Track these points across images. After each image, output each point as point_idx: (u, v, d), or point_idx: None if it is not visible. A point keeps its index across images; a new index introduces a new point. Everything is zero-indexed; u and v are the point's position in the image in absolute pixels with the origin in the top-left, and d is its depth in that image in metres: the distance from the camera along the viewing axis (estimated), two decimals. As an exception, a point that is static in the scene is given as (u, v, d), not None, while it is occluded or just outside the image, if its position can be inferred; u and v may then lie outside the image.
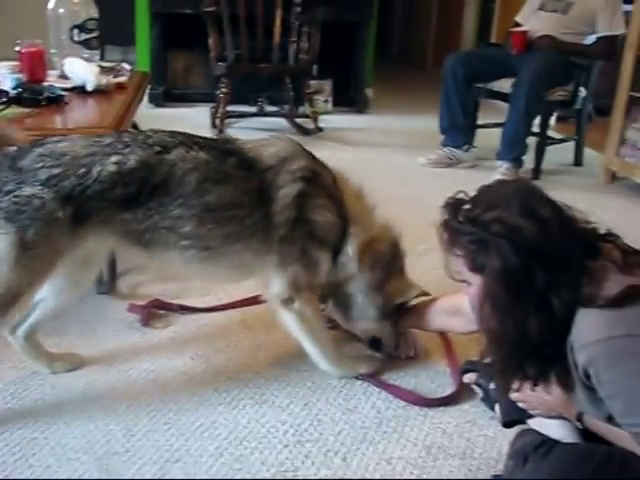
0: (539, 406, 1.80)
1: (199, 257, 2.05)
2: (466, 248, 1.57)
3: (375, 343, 2.35)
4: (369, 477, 1.83)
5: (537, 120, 4.60)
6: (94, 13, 3.72)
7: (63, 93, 3.04)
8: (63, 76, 3.40)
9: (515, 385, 1.74)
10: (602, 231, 1.63)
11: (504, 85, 4.62)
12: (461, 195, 1.65)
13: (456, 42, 8.49)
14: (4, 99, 2.92)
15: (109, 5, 4.80)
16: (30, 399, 2.08)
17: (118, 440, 1.93)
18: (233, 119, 5.55)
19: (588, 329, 1.47)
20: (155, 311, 2.60)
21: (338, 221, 2.13)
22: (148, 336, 2.46)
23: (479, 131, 5.04)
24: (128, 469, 1.82)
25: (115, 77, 3.47)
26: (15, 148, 1.96)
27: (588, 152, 5.00)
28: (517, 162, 4.48)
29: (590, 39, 4.57)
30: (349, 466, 1.87)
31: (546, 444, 1.64)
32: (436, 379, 2.27)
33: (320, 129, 5.51)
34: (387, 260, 2.23)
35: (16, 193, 1.84)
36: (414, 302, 2.34)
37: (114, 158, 1.91)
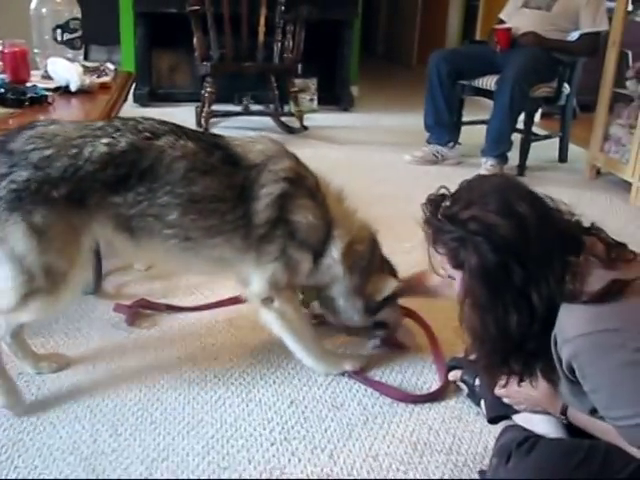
0: (524, 401, 1.80)
1: (180, 247, 2.05)
2: (447, 245, 1.58)
3: (380, 325, 2.39)
4: (356, 473, 1.84)
5: (522, 117, 4.61)
6: (77, 13, 3.69)
7: (47, 93, 3.02)
8: (46, 76, 3.38)
9: (501, 381, 1.75)
10: (586, 224, 1.64)
11: (488, 82, 4.63)
12: (443, 191, 1.66)
13: (441, 40, 8.50)
14: (-13, 100, 2.91)
15: (92, 5, 4.78)
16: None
17: (105, 440, 1.92)
18: (218, 118, 5.54)
19: (572, 324, 1.48)
20: (141, 311, 2.59)
21: (320, 223, 2.14)
22: (134, 336, 2.45)
23: (464, 128, 5.05)
24: (115, 469, 1.82)
25: (99, 77, 3.45)
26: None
27: (572, 148, 5.02)
28: (502, 159, 4.49)
29: (573, 36, 4.59)
30: (336, 463, 1.87)
31: (529, 440, 1.64)
32: (422, 376, 2.28)
33: (305, 127, 5.51)
34: (366, 261, 2.26)
35: (11, 178, 1.83)
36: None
37: (105, 140, 1.93)
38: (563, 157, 4.97)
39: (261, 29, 5.29)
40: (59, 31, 3.64)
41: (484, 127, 4.66)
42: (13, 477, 1.78)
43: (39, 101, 2.95)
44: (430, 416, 2.08)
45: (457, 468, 1.86)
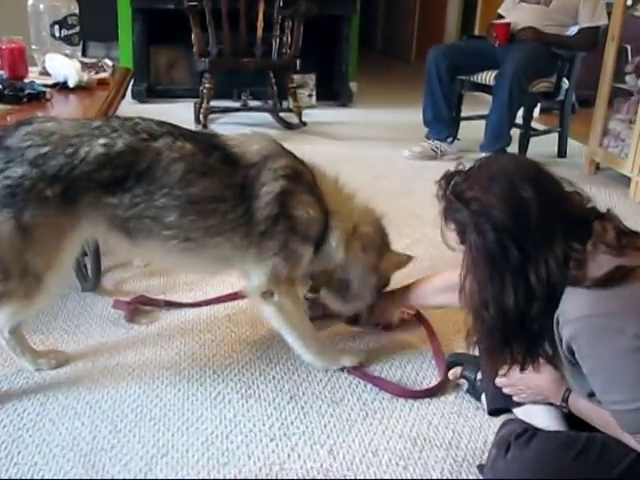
0: (526, 389, 1.80)
1: (180, 248, 2.05)
2: (456, 222, 1.60)
3: (355, 319, 2.46)
4: (355, 469, 1.83)
5: (520, 112, 4.61)
6: (75, 9, 3.69)
7: (45, 90, 3.02)
8: (44, 72, 3.39)
9: (503, 369, 1.76)
10: (601, 211, 1.64)
11: (487, 77, 4.63)
12: (460, 167, 1.68)
13: (439, 35, 8.50)
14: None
15: (90, 1, 4.78)
16: (15, 397, 2.07)
17: (104, 436, 1.92)
18: (217, 114, 5.54)
19: (573, 306, 1.49)
20: (140, 307, 2.59)
21: (319, 215, 2.15)
22: (133, 332, 2.45)
23: (463, 123, 5.05)
24: (114, 465, 1.82)
25: (97, 73, 3.45)
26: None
27: (571, 143, 5.02)
28: (501, 154, 4.49)
29: (572, 30, 4.59)
30: (335, 458, 1.87)
31: (528, 432, 1.65)
32: (421, 371, 2.28)
33: (304, 123, 5.50)
34: (377, 241, 2.31)
35: (6, 174, 1.83)
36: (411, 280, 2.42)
37: (102, 140, 1.92)
38: (562, 152, 4.97)
39: (259, 25, 5.29)
40: (57, 27, 3.64)
41: (483, 122, 4.66)
42: (13, 473, 1.77)
43: (37, 97, 2.94)
44: (430, 411, 2.08)
45: (457, 463, 1.86)
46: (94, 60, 3.74)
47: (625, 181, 4.22)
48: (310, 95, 6.31)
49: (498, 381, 1.85)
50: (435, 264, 2.74)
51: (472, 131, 4.90)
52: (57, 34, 3.65)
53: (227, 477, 1.79)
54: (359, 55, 7.08)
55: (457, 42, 7.34)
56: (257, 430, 1.97)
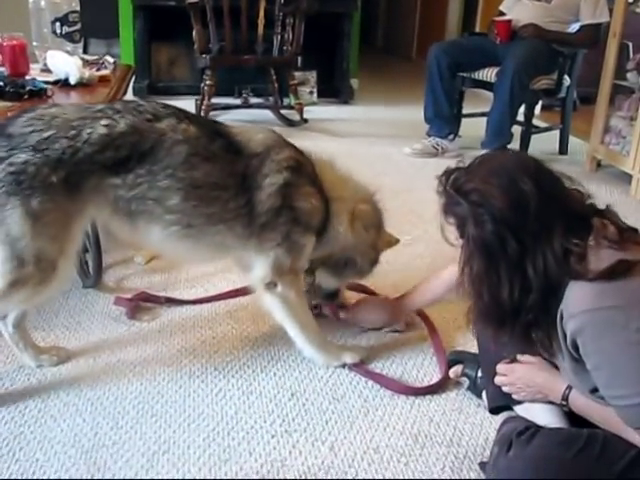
0: (525, 388, 1.80)
1: (181, 234, 2.05)
2: (455, 216, 1.60)
3: (331, 295, 2.49)
4: (356, 465, 1.83)
5: (522, 109, 4.61)
6: (76, 6, 3.68)
7: (46, 86, 3.01)
8: (46, 69, 3.38)
9: (504, 363, 1.77)
10: (601, 207, 1.64)
11: (489, 74, 4.63)
12: (460, 164, 1.69)
13: (440, 32, 8.49)
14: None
15: (91, -2, 4.77)
16: (17, 393, 2.08)
17: (105, 433, 1.92)
18: (218, 111, 5.53)
19: (577, 299, 1.49)
20: (141, 304, 2.59)
21: (321, 205, 2.17)
22: (134, 329, 2.45)
23: (464, 120, 5.05)
24: (115, 462, 1.82)
25: (98, 70, 3.45)
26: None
27: (573, 140, 5.02)
28: (502, 151, 4.49)
29: (574, 27, 4.59)
30: (336, 455, 1.87)
31: (530, 430, 1.65)
32: (422, 368, 2.28)
33: (305, 120, 5.50)
34: (377, 219, 2.34)
35: (10, 161, 1.82)
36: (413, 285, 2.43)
37: (104, 121, 1.92)
38: (563, 149, 4.97)
39: (260, 22, 5.29)
40: (58, 24, 3.63)
41: (484, 119, 4.66)
42: (14, 470, 1.78)
43: (38, 94, 2.94)
44: (431, 408, 2.08)
45: (458, 460, 1.86)
46: (95, 57, 3.73)
47: (626, 178, 4.21)
48: (311, 92, 6.31)
49: (498, 380, 1.85)
50: (436, 261, 2.75)
51: (473, 128, 4.89)
52: (58, 31, 3.64)
53: (228, 474, 1.79)
54: (360, 52, 7.07)
55: (458, 39, 7.32)
56: (258, 427, 1.97)
